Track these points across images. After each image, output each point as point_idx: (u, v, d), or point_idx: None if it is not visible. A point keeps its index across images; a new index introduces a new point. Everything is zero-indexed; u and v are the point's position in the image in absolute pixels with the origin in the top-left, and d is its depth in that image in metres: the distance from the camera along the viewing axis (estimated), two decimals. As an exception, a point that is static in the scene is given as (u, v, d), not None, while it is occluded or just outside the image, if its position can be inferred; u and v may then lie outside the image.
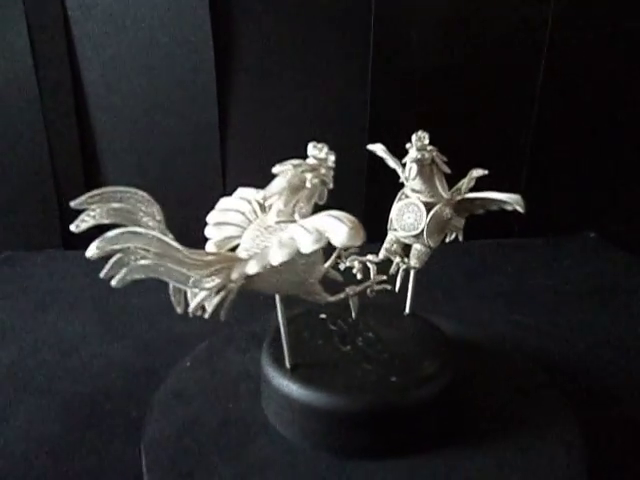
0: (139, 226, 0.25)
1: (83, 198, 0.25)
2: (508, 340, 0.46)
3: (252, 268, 0.24)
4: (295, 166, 0.26)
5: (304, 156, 0.27)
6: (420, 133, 0.30)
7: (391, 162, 0.33)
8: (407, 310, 0.35)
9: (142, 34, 0.61)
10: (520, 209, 0.29)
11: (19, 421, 0.37)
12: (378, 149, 0.34)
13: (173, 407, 0.33)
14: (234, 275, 0.25)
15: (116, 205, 0.26)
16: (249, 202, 0.29)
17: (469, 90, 0.65)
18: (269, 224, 0.27)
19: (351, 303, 0.31)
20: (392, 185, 0.33)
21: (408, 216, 0.31)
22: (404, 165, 0.31)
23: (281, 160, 0.27)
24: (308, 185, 0.26)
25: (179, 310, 0.27)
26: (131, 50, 0.61)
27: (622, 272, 0.63)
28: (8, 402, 0.39)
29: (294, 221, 0.26)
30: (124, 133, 0.65)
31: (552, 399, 0.33)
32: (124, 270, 0.24)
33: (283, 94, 0.64)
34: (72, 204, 0.24)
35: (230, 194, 0.30)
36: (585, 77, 0.65)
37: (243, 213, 0.29)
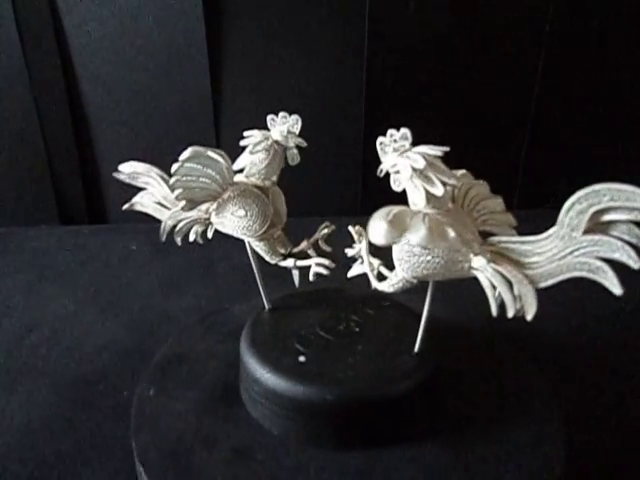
0: None
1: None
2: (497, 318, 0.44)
3: None
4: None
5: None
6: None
7: None
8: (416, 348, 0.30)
9: (130, 4, 0.60)
10: None
11: (15, 402, 0.37)
12: None
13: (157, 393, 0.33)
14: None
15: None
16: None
17: (468, 60, 0.63)
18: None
19: (293, 274, 0.33)
20: None
21: None
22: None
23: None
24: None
25: (162, 238, 0.32)
26: (120, 19, 0.60)
27: None
28: (4, 383, 0.39)
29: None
30: (115, 105, 0.65)
31: (535, 386, 0.33)
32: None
33: (277, 62, 0.63)
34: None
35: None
36: (591, 45, 0.63)
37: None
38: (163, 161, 0.66)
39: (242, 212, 0.30)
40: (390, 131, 0.26)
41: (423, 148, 0.25)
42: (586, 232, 0.22)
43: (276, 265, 0.32)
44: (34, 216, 0.67)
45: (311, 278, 0.31)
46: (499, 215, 0.27)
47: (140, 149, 0.66)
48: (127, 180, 0.34)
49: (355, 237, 0.30)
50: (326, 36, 0.61)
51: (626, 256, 0.21)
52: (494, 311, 0.25)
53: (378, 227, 0.23)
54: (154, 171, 0.33)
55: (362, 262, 0.30)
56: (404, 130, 0.26)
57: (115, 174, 0.34)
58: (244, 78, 0.63)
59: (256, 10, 0.60)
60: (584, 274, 0.22)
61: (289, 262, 0.31)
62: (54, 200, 0.67)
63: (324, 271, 0.30)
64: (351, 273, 0.30)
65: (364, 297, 0.35)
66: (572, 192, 0.21)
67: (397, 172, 0.26)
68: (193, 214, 0.32)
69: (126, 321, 0.46)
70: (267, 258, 0.32)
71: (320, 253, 0.32)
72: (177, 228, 0.33)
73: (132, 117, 0.65)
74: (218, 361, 0.35)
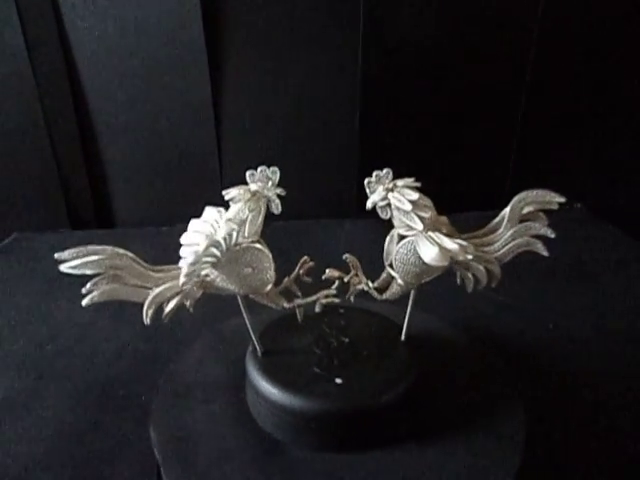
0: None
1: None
2: (479, 324, 0.47)
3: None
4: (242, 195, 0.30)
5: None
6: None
7: None
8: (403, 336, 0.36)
9: (131, 13, 0.62)
10: None
11: (39, 407, 0.40)
12: None
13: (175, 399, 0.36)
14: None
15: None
16: (211, 224, 0.31)
17: (460, 64, 0.66)
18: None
19: (297, 311, 0.35)
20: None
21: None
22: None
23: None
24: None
25: (148, 321, 0.31)
26: (122, 29, 0.63)
27: (604, 246, 0.63)
28: (28, 389, 0.42)
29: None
30: (120, 113, 0.67)
31: (507, 394, 0.37)
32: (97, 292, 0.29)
33: (275, 67, 0.65)
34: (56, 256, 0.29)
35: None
36: (577, 46, 0.67)
37: (205, 234, 0.30)
38: (167, 167, 0.68)
39: (249, 270, 0.31)
40: (375, 172, 0.32)
41: (404, 182, 0.32)
42: (521, 221, 0.33)
43: (283, 308, 0.33)
44: (45, 222, 0.70)
45: (317, 309, 0.34)
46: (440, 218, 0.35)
47: (144, 155, 0.69)
48: (79, 271, 0.29)
49: (350, 265, 0.34)
50: (322, 41, 0.63)
51: (545, 231, 0.33)
52: (470, 288, 0.34)
53: (436, 254, 0.29)
54: (118, 251, 0.29)
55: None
56: (387, 170, 0.32)
57: (63, 268, 0.28)
58: (243, 83, 0.66)
59: (254, 19, 0.63)
60: (526, 248, 0.34)
61: (298, 301, 0.33)
62: (64, 206, 0.70)
63: (336, 300, 0.34)
64: (350, 294, 0.35)
65: (320, 312, 0.39)
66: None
67: (387, 205, 0.32)
68: (178, 287, 0.30)
69: (140, 327, 0.44)
70: (274, 306, 0.33)
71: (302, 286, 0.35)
72: (169, 308, 0.30)
73: (136, 124, 0.67)
74: (217, 425, 0.34)
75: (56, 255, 0.28)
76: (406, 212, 0.31)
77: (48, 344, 0.48)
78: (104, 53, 0.63)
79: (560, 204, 0.32)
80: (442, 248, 0.29)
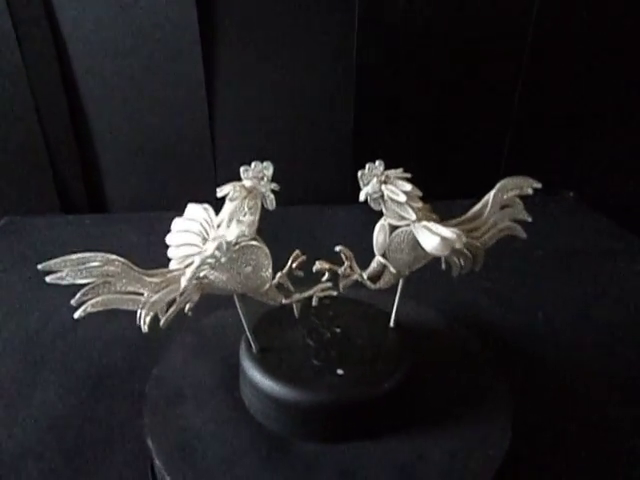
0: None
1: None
2: (469, 313, 0.47)
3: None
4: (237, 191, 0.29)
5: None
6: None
7: None
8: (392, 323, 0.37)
9: (125, 7, 0.62)
10: None
11: (30, 396, 0.40)
12: None
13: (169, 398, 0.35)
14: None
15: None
16: (200, 223, 0.31)
17: (456, 58, 0.66)
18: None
19: (294, 306, 0.35)
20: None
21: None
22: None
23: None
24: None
25: (145, 328, 0.29)
26: (115, 20, 0.62)
27: (596, 236, 0.63)
28: (20, 377, 0.42)
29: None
30: (111, 96, 0.67)
31: (495, 383, 0.37)
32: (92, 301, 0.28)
33: (268, 63, 0.65)
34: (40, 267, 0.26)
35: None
36: (573, 38, 0.68)
37: (195, 233, 0.30)
38: (160, 156, 0.68)
39: (249, 268, 0.30)
40: (368, 164, 0.32)
41: (395, 172, 0.32)
42: (502, 208, 0.35)
43: (281, 304, 0.33)
44: (36, 207, 0.69)
45: (314, 303, 0.34)
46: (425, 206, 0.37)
47: (138, 142, 0.69)
48: (67, 282, 0.27)
49: (343, 256, 0.34)
50: (317, 35, 0.64)
51: (523, 215, 0.35)
52: (455, 273, 0.36)
53: (438, 243, 0.30)
54: (109, 257, 0.27)
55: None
56: (379, 161, 0.32)
57: (50, 279, 0.26)
58: (237, 68, 0.66)
59: (249, 14, 0.63)
60: (507, 232, 0.35)
61: (296, 297, 0.33)
62: (55, 191, 0.69)
63: (333, 292, 0.34)
64: (344, 285, 0.35)
65: (307, 304, 0.39)
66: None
67: (381, 197, 0.32)
68: (177, 291, 0.29)
69: (132, 315, 0.42)
70: (272, 303, 0.32)
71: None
72: (168, 313, 0.29)
73: (128, 107, 0.67)
74: (217, 428, 0.33)
75: (40, 266, 0.26)
76: (400, 203, 0.32)
77: (40, 332, 0.47)
78: (97, 44, 0.64)
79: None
80: (443, 237, 0.30)
